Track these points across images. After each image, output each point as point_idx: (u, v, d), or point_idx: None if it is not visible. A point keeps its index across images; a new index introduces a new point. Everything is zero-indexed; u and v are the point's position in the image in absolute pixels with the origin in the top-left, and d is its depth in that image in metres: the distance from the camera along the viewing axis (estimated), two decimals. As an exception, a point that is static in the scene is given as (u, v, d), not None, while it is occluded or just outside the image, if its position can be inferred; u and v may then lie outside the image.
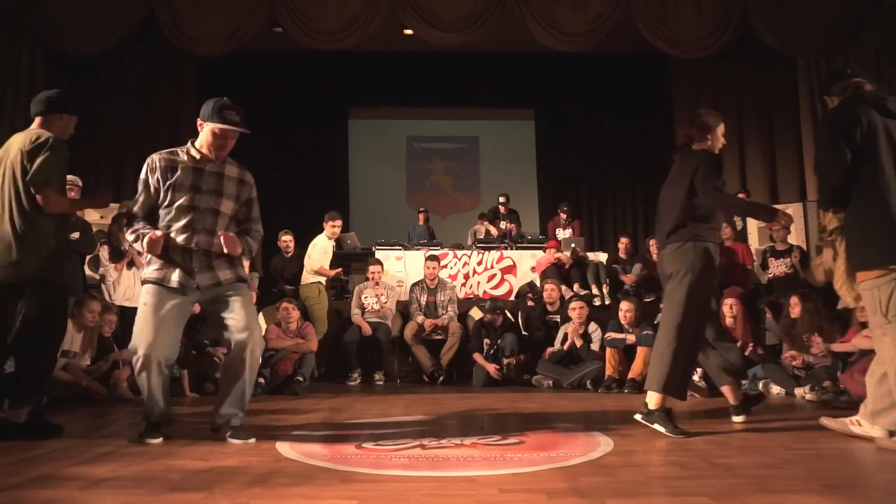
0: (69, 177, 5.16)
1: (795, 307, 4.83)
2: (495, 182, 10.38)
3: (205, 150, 3.00)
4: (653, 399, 3.08)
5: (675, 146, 3.37)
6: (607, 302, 6.69)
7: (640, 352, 5.05)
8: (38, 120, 3.16)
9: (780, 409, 4.05)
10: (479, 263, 7.33)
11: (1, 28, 7.52)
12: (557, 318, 6.01)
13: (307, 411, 3.95)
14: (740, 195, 7.81)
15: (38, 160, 2.96)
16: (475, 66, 10.08)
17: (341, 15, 7.84)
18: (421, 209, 9.21)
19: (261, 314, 6.24)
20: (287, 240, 6.93)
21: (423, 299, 6.29)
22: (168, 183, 2.91)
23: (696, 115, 3.27)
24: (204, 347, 5.16)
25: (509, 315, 6.18)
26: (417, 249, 7.42)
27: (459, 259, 7.39)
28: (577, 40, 8.03)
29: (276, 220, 8.44)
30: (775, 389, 4.78)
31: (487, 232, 8.14)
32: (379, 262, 6.53)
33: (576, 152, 10.81)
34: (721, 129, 3.28)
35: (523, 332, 6.05)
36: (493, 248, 7.50)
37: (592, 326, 5.56)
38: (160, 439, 2.84)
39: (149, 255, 2.89)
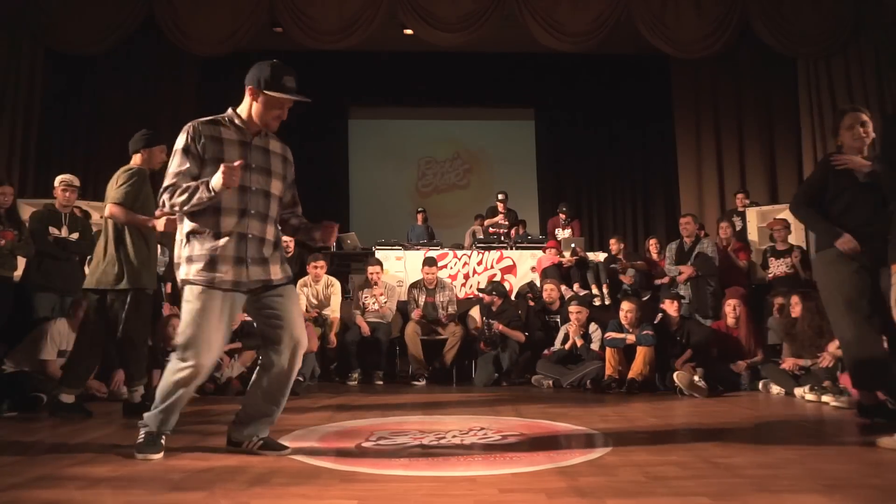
0: (66, 176, 5.20)
1: (796, 307, 4.82)
2: (495, 182, 10.39)
3: (253, 121, 2.63)
4: None
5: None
6: (607, 302, 6.70)
7: (640, 352, 5.05)
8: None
9: (780, 409, 4.05)
10: (479, 263, 7.33)
11: (1, 28, 7.52)
12: (557, 318, 6.02)
13: (307, 411, 3.95)
14: (739, 196, 7.83)
15: (119, 184, 3.73)
16: (475, 66, 10.08)
17: (341, 15, 7.84)
18: (420, 209, 9.21)
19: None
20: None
21: (422, 300, 6.29)
22: (212, 157, 2.48)
23: None
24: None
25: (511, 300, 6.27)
26: (417, 249, 7.42)
27: (459, 259, 7.39)
28: (577, 40, 8.03)
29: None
30: (775, 389, 4.78)
31: (491, 228, 8.11)
32: (378, 263, 6.53)
33: (576, 152, 10.82)
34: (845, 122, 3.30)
35: (525, 333, 6.05)
36: (493, 248, 7.50)
37: (593, 326, 5.56)
38: (161, 454, 2.49)
39: (195, 247, 2.47)
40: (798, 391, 4.50)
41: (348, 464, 2.40)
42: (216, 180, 2.37)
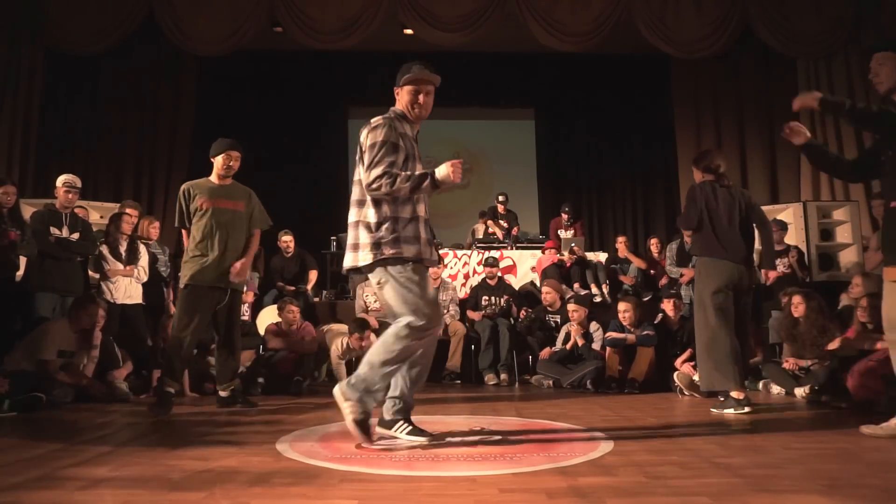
0: (66, 176, 5.20)
1: (799, 306, 4.82)
2: (495, 182, 10.38)
3: (408, 114, 2.96)
4: None
5: None
6: (607, 301, 6.70)
7: (641, 352, 5.05)
8: None
9: (781, 409, 4.05)
10: (480, 263, 7.33)
11: (1, 28, 7.52)
12: (558, 317, 6.02)
13: (307, 411, 3.95)
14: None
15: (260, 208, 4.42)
16: (475, 66, 10.07)
17: (341, 15, 7.84)
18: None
19: (260, 314, 6.25)
20: (287, 240, 6.93)
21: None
22: (403, 152, 2.82)
23: None
24: (204, 347, 5.15)
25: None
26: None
27: (459, 259, 7.39)
28: (578, 40, 8.03)
29: (277, 220, 8.48)
30: (775, 389, 4.78)
31: (489, 232, 8.12)
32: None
33: (576, 152, 10.81)
34: None
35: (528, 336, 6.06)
36: (493, 248, 7.49)
37: (594, 326, 5.56)
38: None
39: (390, 234, 2.73)
40: (798, 391, 4.50)
41: (348, 464, 2.40)
42: (443, 174, 2.72)
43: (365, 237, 2.77)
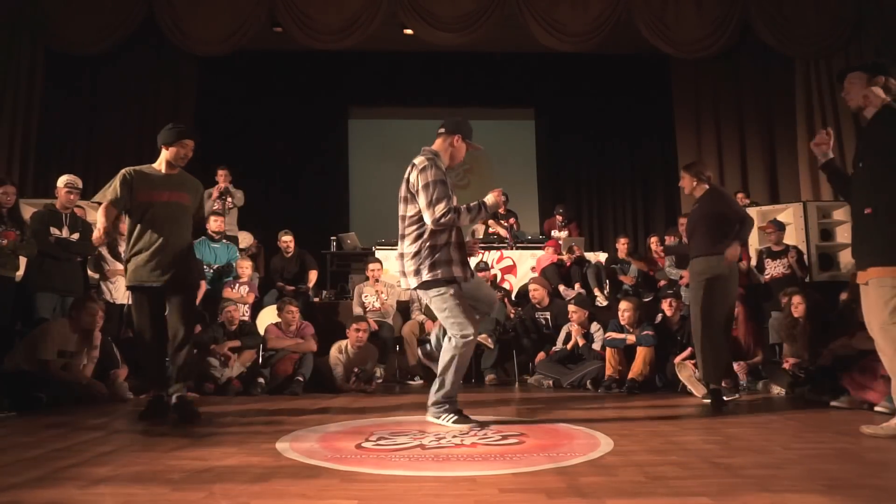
0: (68, 177, 5.20)
1: (799, 306, 4.82)
2: (495, 182, 10.37)
3: (446, 161, 3.41)
4: None
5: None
6: (605, 303, 6.67)
7: (640, 352, 5.05)
8: None
9: (781, 409, 4.05)
10: (481, 261, 7.33)
11: (1, 28, 7.52)
12: (547, 314, 6.02)
13: (307, 411, 3.95)
14: (739, 195, 7.82)
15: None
16: (475, 66, 10.08)
17: (341, 15, 7.84)
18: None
19: (260, 314, 6.24)
20: (287, 240, 6.93)
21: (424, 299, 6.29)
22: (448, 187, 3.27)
23: None
24: (204, 347, 5.16)
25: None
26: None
27: (459, 259, 7.38)
28: (578, 40, 8.03)
29: (277, 220, 8.48)
30: (775, 389, 4.77)
31: (489, 232, 8.10)
32: (378, 261, 6.53)
33: (576, 152, 10.81)
34: None
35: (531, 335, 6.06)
36: (493, 248, 7.49)
37: (595, 326, 5.56)
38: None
39: (436, 256, 3.23)
40: (798, 391, 4.50)
41: (348, 464, 2.40)
42: (492, 202, 3.32)
43: (409, 266, 3.30)
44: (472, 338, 3.25)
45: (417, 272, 3.24)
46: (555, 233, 7.76)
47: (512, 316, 6.00)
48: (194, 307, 4.01)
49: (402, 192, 3.30)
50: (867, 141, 3.05)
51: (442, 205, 3.15)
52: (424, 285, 3.26)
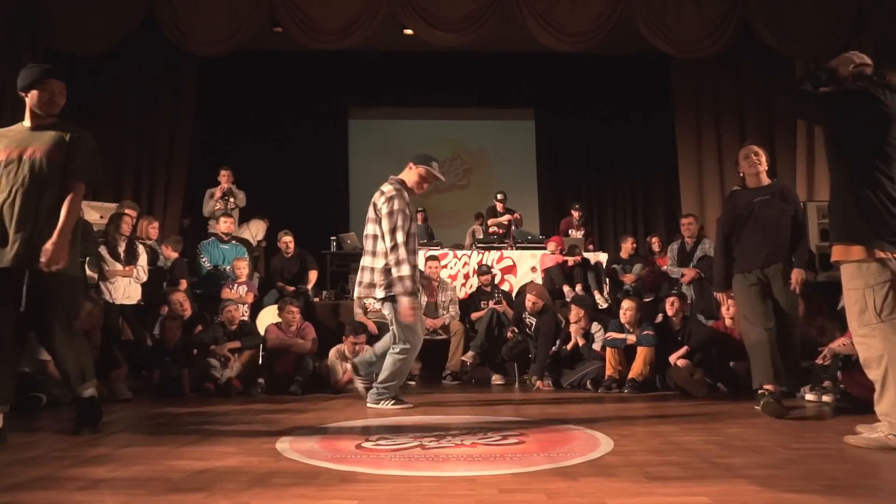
0: None
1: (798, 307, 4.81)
2: (495, 182, 10.38)
3: (413, 189, 3.98)
4: None
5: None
6: (605, 305, 6.66)
7: (641, 352, 5.05)
8: None
9: (780, 409, 4.04)
10: (480, 263, 7.33)
11: (1, 28, 7.52)
12: (533, 319, 6.00)
13: (307, 411, 3.95)
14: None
15: None
16: (475, 66, 10.08)
17: (341, 15, 7.83)
18: (419, 209, 9.20)
19: (260, 314, 6.24)
20: (287, 240, 6.93)
21: (424, 299, 6.29)
22: (409, 218, 3.86)
23: None
24: (204, 347, 5.15)
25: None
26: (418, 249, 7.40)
27: (459, 259, 7.39)
28: (578, 40, 8.02)
29: (277, 220, 8.49)
30: (775, 389, 4.76)
31: (490, 232, 8.09)
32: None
33: (576, 152, 10.82)
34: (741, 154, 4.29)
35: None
36: (493, 248, 7.49)
37: (595, 326, 5.55)
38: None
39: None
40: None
41: (348, 464, 2.40)
42: (405, 306, 3.84)
43: (379, 278, 3.85)
44: (418, 347, 3.98)
45: (387, 286, 3.80)
46: (572, 231, 7.74)
47: (510, 337, 5.78)
48: (69, 292, 3.04)
49: (370, 213, 3.88)
50: None
51: (399, 234, 3.74)
52: (392, 298, 3.79)
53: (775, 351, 3.64)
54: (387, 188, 3.86)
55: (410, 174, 3.95)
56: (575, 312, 5.54)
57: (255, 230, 8.18)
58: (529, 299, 5.71)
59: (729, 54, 8.56)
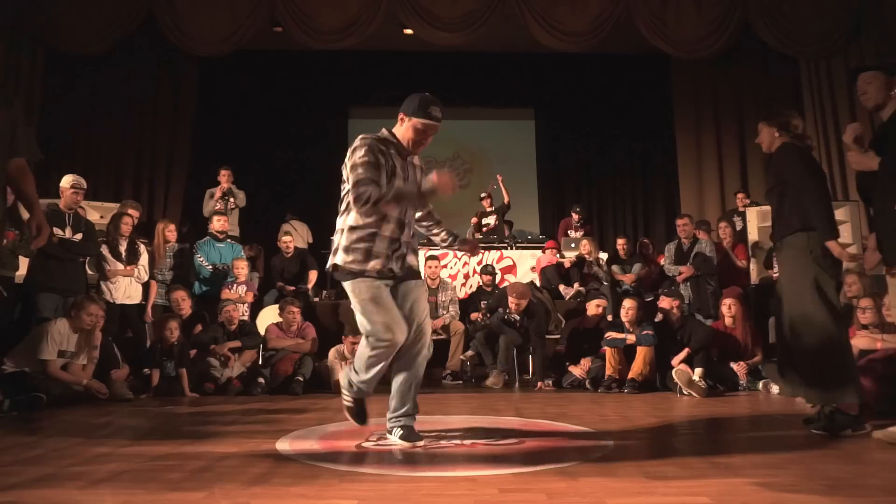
0: (73, 177, 5.18)
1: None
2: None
3: (403, 143, 2.91)
4: None
5: None
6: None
7: (640, 351, 5.05)
8: None
9: (780, 409, 4.05)
10: (480, 263, 7.34)
11: (1, 28, 7.52)
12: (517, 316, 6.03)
13: (307, 411, 3.95)
14: (739, 195, 7.83)
15: None
16: (475, 66, 10.07)
17: (341, 15, 7.83)
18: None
19: (260, 314, 6.24)
20: (287, 240, 6.93)
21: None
22: (385, 168, 2.83)
23: None
24: (204, 347, 5.16)
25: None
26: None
27: (459, 259, 7.39)
28: (577, 40, 8.02)
29: (277, 221, 8.48)
30: (775, 389, 4.77)
31: (484, 229, 8.10)
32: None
33: (576, 152, 10.81)
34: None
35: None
36: (493, 248, 7.50)
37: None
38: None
39: (353, 248, 2.83)
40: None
41: (348, 464, 2.40)
42: (431, 185, 2.76)
43: (333, 242, 2.95)
44: (389, 343, 2.77)
45: (335, 251, 2.90)
46: (571, 232, 7.74)
47: (476, 318, 5.89)
48: None
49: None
50: (893, 138, 2.97)
51: (362, 187, 2.78)
52: (337, 272, 2.88)
53: None
54: (357, 141, 2.92)
55: (403, 129, 2.91)
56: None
57: (303, 232, 8.18)
58: (512, 301, 5.67)
59: (729, 54, 8.56)
